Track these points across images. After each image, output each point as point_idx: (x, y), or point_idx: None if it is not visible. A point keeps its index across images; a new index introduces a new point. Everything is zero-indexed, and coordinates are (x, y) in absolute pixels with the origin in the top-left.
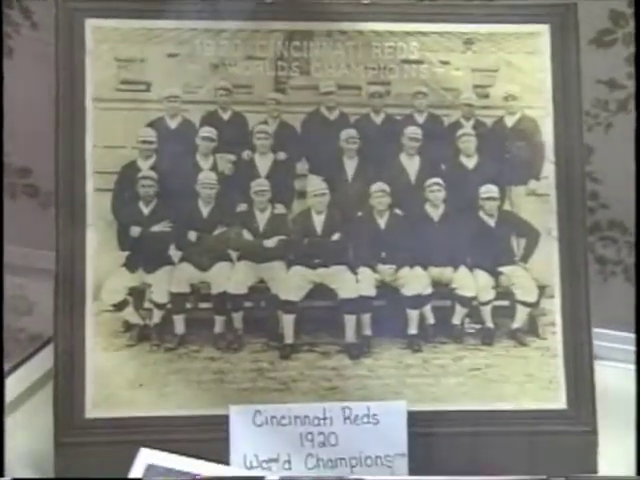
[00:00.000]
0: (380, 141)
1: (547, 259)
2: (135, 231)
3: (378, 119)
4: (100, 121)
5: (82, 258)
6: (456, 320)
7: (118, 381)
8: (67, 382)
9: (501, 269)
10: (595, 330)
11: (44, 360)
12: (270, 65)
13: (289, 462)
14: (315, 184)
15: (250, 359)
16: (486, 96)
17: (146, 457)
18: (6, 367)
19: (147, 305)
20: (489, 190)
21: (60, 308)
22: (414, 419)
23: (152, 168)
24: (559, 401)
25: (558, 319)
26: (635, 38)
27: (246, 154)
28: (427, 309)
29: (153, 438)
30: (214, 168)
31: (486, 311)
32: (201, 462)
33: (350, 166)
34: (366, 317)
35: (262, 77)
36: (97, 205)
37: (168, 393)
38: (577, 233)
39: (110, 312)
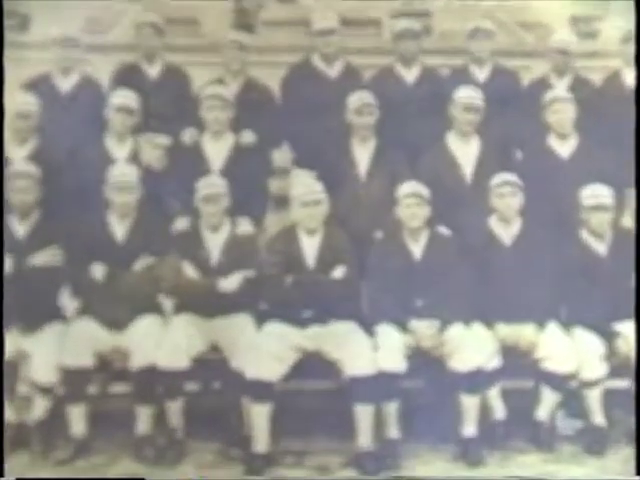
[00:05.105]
0: (413, 112)
1: None
2: (5, 264)
3: (410, 75)
4: None
5: None
6: (542, 413)
7: None
8: None
9: (618, 327)
10: None
11: None
12: None
13: None
14: (305, 184)
15: (196, 477)
16: (592, 35)
17: None
18: None
19: (23, 389)
20: (597, 193)
21: None
22: None
23: (31, 158)
24: None
25: None
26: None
27: (188, 135)
28: (493, 394)
29: None
30: (134, 158)
31: (593, 398)
32: None
33: (363, 154)
34: (391, 408)
35: (215, 6)
36: None
37: None
38: None
39: None
